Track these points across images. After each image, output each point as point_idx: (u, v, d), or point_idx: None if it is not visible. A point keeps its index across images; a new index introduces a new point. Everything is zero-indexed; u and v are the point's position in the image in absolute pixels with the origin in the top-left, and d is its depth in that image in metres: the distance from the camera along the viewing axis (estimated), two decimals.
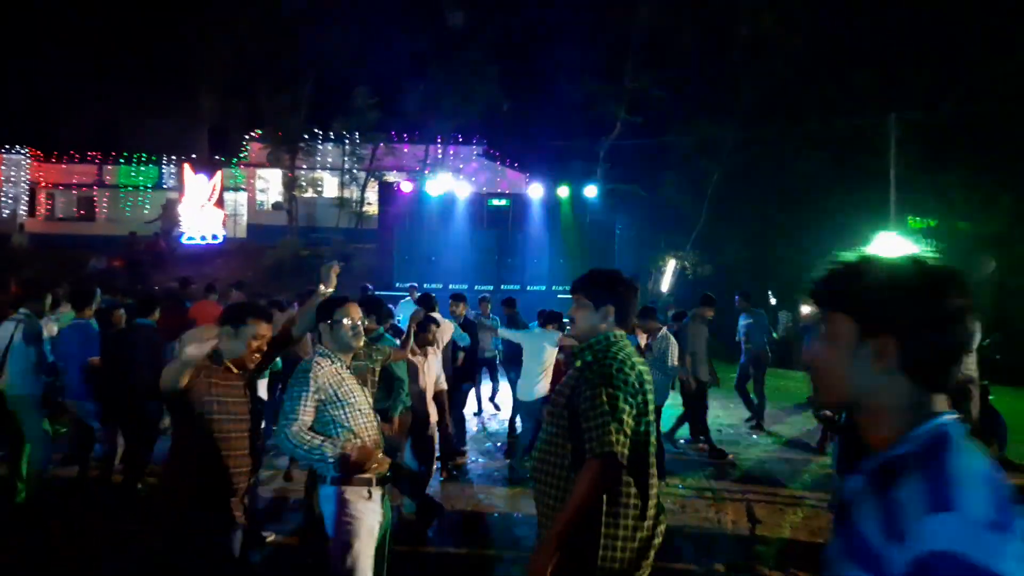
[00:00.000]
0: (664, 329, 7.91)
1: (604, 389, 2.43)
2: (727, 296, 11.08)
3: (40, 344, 6.11)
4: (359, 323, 3.49)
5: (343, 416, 3.28)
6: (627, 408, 2.42)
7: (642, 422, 2.52)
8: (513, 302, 10.44)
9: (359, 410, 3.34)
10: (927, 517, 1.08)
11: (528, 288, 17.96)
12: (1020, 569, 1.03)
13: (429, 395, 6.26)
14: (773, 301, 18.85)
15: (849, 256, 1.35)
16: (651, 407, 2.59)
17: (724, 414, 10.63)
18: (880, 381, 1.25)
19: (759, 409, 9.93)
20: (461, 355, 8.32)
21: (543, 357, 7.09)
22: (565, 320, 7.30)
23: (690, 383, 8.23)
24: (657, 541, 2.56)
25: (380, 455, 3.35)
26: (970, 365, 7.96)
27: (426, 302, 7.38)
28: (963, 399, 7.86)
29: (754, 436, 9.48)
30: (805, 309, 13.75)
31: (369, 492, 3.27)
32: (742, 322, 10.13)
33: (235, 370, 3.24)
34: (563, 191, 19.04)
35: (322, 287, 3.60)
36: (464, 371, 8.49)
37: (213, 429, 3.09)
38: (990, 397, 8.11)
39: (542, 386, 7.05)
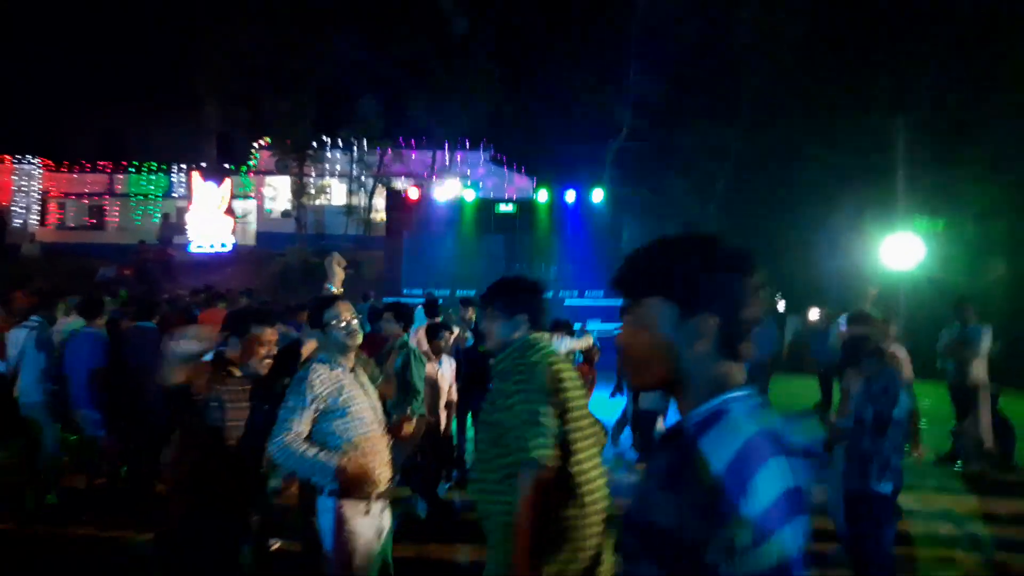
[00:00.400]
0: None
1: (518, 396, 2.46)
2: None
3: (50, 352, 6.16)
4: (351, 321, 3.36)
5: (342, 427, 3.16)
6: (544, 410, 2.43)
7: (568, 421, 2.52)
8: None
9: (359, 419, 3.21)
10: (652, 492, 1.20)
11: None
12: (769, 552, 1.12)
13: (442, 402, 6.27)
14: (782, 306, 18.77)
15: (653, 241, 1.39)
16: (577, 405, 2.57)
17: None
18: (699, 358, 1.29)
19: None
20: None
21: None
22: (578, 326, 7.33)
23: None
24: (597, 530, 2.53)
25: (381, 471, 3.24)
26: (980, 369, 7.93)
27: (431, 309, 7.37)
28: (972, 403, 7.83)
29: None
30: (813, 314, 13.70)
31: (367, 508, 3.16)
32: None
33: (240, 376, 3.20)
34: (570, 195, 19.05)
35: (330, 286, 3.63)
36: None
37: (215, 436, 3.06)
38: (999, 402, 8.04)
39: None
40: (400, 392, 4.99)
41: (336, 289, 3.17)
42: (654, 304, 1.32)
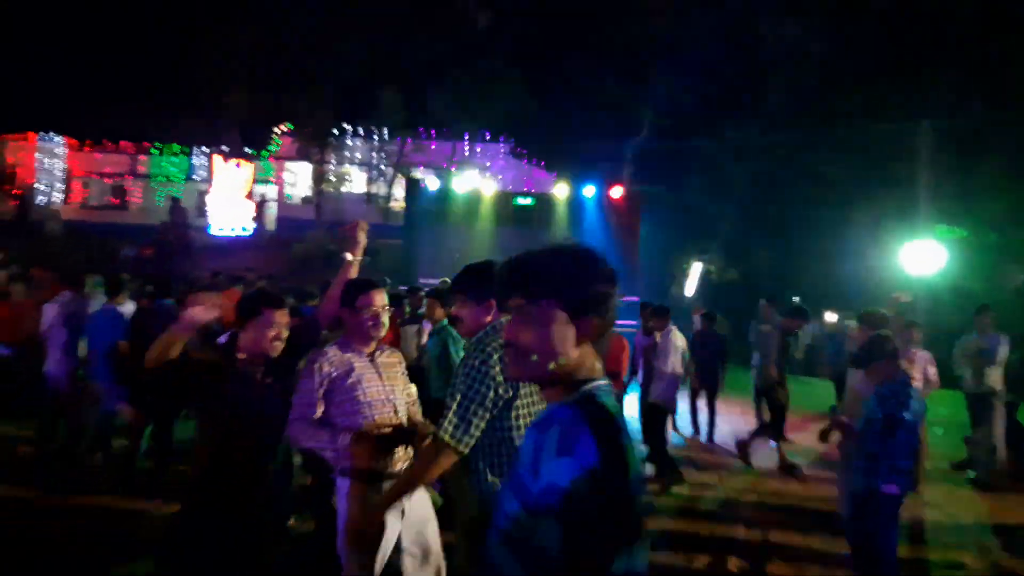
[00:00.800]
0: (670, 328, 7.65)
1: (459, 379, 2.57)
2: (752, 302, 10.96)
3: (75, 329, 6.29)
4: (382, 313, 3.33)
5: (348, 409, 3.19)
6: (476, 398, 2.51)
7: (507, 413, 2.58)
8: None
9: (366, 403, 3.22)
10: (555, 458, 1.37)
11: None
12: (617, 510, 1.35)
13: None
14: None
15: (547, 250, 1.58)
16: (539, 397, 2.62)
17: (749, 420, 10.54)
18: (577, 353, 1.53)
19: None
20: None
21: None
22: None
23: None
24: None
25: (393, 455, 3.22)
26: (995, 378, 7.88)
27: (440, 298, 7.42)
28: (988, 412, 7.78)
29: (773, 443, 9.43)
30: (830, 318, 13.61)
31: (380, 490, 3.13)
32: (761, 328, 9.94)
33: (251, 359, 3.19)
34: (589, 191, 19.02)
35: (348, 255, 3.46)
36: None
37: (223, 417, 3.07)
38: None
39: None
40: (443, 375, 5.03)
41: (352, 257, 3.06)
42: (549, 305, 1.51)
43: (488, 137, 29.80)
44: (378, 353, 3.41)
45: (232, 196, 26.79)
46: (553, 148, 28.51)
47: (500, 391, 2.56)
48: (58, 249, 20.95)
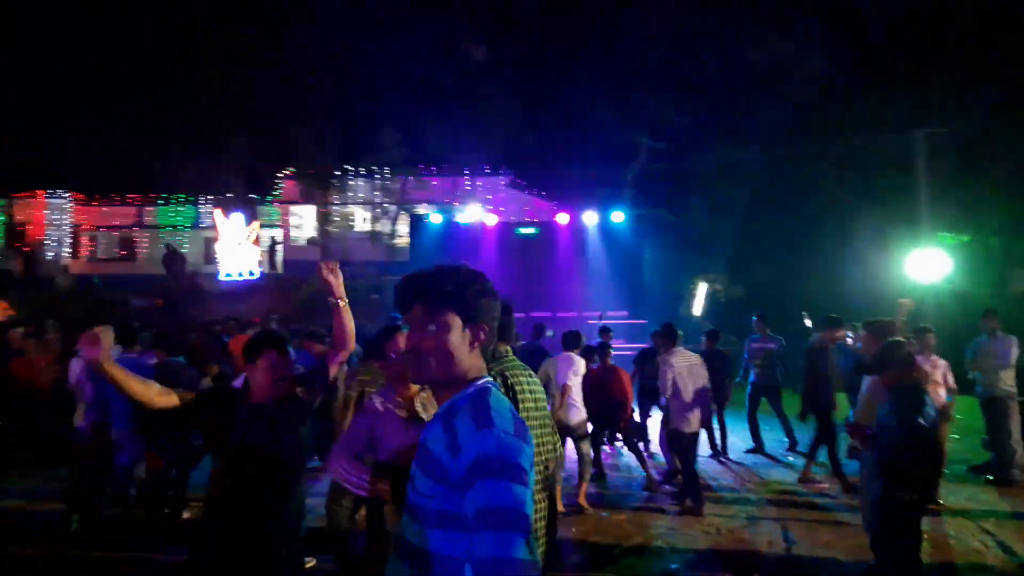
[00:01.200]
0: (673, 351, 7.36)
1: None
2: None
3: (97, 381, 6.39)
4: None
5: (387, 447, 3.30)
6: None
7: None
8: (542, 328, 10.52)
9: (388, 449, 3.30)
10: (476, 433, 1.57)
11: (558, 315, 18.04)
12: (527, 465, 1.56)
13: None
14: (809, 323, 18.64)
15: (442, 268, 1.82)
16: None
17: (768, 436, 10.53)
18: (471, 356, 1.76)
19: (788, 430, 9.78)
20: None
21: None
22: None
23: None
24: None
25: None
26: (1008, 381, 7.90)
27: None
28: (1001, 413, 7.79)
29: (789, 457, 9.43)
30: (840, 331, 13.60)
31: None
32: (755, 345, 9.92)
33: (260, 399, 3.27)
34: (591, 217, 19.18)
35: (332, 300, 3.44)
36: None
37: (234, 463, 3.13)
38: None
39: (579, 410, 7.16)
40: None
41: (337, 302, 3.03)
42: (449, 316, 1.74)
43: (488, 170, 30.09)
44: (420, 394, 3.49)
45: (239, 242, 27.03)
46: (553, 177, 28.78)
47: None
48: (69, 303, 21.14)
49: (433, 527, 1.61)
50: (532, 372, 2.89)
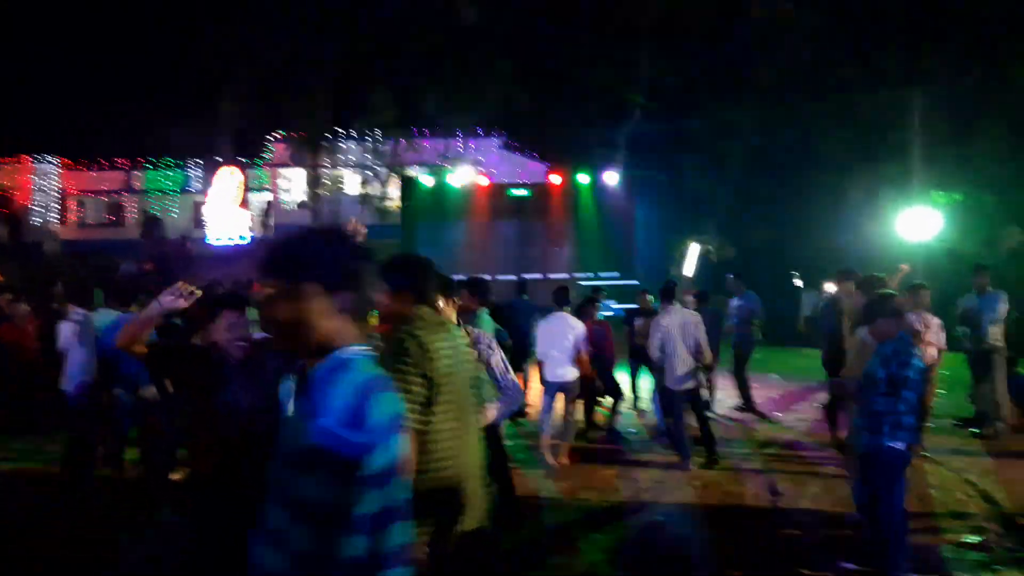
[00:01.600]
0: (668, 309, 7.30)
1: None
2: (751, 278, 11.03)
3: (91, 345, 6.36)
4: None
5: None
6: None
7: (432, 388, 2.65)
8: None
9: None
10: (311, 419, 1.57)
11: (550, 277, 18.04)
12: (381, 457, 1.53)
13: None
14: (799, 283, 18.69)
15: (301, 233, 1.77)
16: (448, 379, 2.68)
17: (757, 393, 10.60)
18: (336, 324, 1.68)
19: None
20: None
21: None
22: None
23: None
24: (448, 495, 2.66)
25: None
26: (996, 335, 7.95)
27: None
28: (988, 367, 7.85)
29: (777, 413, 9.53)
30: (830, 288, 13.64)
31: None
32: (733, 304, 9.95)
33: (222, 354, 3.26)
34: (583, 179, 19.09)
35: None
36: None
37: (223, 433, 3.11)
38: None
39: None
40: None
41: None
42: (308, 285, 1.66)
43: (480, 132, 29.80)
44: None
45: (228, 205, 26.83)
46: (545, 138, 28.52)
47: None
48: (58, 268, 21.03)
49: (308, 477, 1.62)
50: (458, 330, 2.88)
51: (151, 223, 25.97)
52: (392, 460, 1.56)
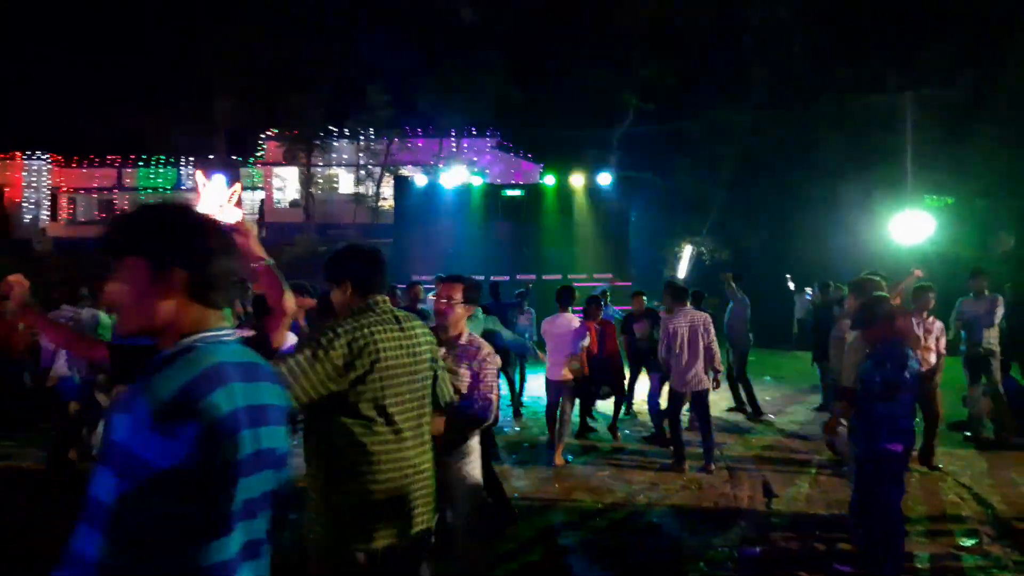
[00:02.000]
0: (681, 310, 7.27)
1: (306, 345, 2.49)
2: (745, 281, 11.01)
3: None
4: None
5: None
6: (305, 364, 2.40)
7: (358, 388, 2.48)
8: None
9: None
10: (115, 415, 1.37)
11: (544, 277, 18.02)
12: (165, 460, 1.33)
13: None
14: (792, 285, 18.75)
15: (133, 210, 1.62)
16: (387, 376, 2.54)
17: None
18: (175, 307, 1.53)
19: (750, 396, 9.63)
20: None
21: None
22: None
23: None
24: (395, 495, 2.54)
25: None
26: (992, 338, 7.95)
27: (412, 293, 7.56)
28: (985, 370, 7.86)
29: (771, 416, 9.52)
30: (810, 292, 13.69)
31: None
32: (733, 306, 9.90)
33: None
34: (577, 180, 19.06)
35: (255, 264, 2.89)
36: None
37: None
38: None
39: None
40: None
41: (261, 261, 2.76)
42: (131, 261, 1.53)
43: (474, 132, 29.77)
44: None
45: (220, 204, 26.65)
46: (539, 139, 28.51)
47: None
48: (48, 266, 20.88)
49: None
50: (409, 323, 2.71)
51: None
52: (238, 456, 1.43)
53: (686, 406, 7.44)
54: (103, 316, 6.73)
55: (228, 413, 1.43)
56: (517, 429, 8.92)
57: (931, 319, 7.05)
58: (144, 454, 1.32)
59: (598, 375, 7.99)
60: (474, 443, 3.91)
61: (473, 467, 3.85)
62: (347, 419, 2.48)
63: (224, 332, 1.58)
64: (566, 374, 7.21)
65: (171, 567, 1.36)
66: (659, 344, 7.27)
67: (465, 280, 4.02)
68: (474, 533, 3.90)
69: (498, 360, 3.98)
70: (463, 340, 3.81)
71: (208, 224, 1.60)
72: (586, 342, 7.42)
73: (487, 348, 3.84)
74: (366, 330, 2.55)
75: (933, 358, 6.89)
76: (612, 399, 8.55)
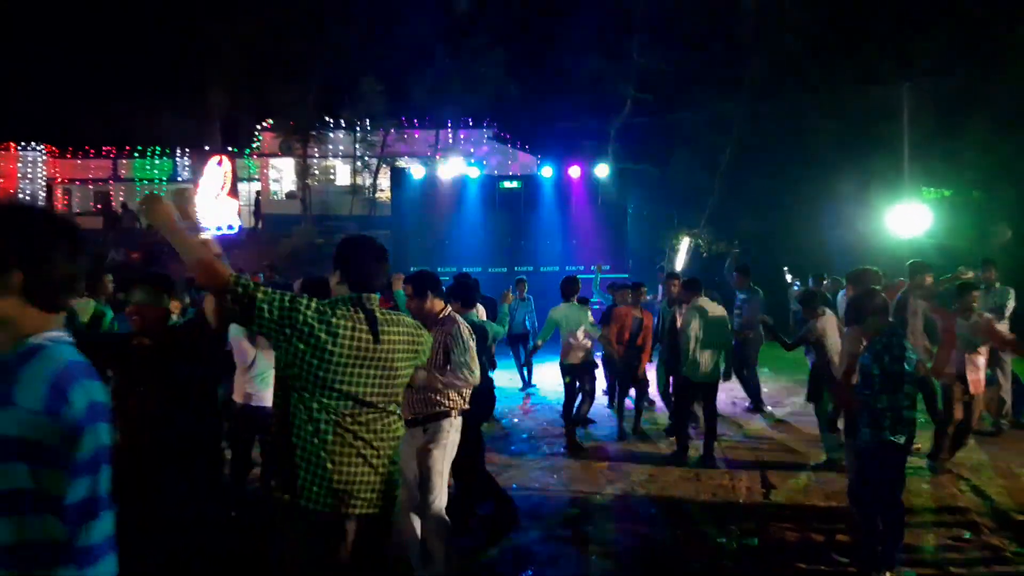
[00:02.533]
0: (695, 301, 7.23)
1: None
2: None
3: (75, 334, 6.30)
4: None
5: None
6: (276, 296, 2.58)
7: (325, 361, 2.59)
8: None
9: None
10: (6, 408, 1.46)
11: (541, 269, 18.00)
12: (88, 444, 1.49)
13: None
14: (789, 278, 18.72)
15: None
16: (348, 357, 2.62)
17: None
18: (9, 306, 1.56)
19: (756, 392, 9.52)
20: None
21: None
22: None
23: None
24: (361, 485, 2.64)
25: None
26: (1002, 329, 7.93)
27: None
28: (991, 363, 7.84)
29: (769, 408, 9.52)
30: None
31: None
32: (740, 299, 9.70)
33: (139, 342, 3.25)
34: (574, 171, 19.00)
35: (200, 235, 2.95)
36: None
37: (117, 404, 3.01)
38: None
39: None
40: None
41: (199, 231, 2.69)
42: None
43: (471, 123, 29.68)
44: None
45: (217, 194, 26.52)
46: (537, 130, 28.47)
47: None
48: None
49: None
50: (392, 325, 2.78)
51: (110, 217, 25.86)
52: (98, 447, 1.53)
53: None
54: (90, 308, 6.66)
55: (84, 409, 1.51)
56: (515, 421, 8.92)
57: (987, 314, 6.80)
58: (35, 438, 1.46)
59: (633, 362, 8.05)
60: (450, 435, 4.14)
61: (439, 454, 4.05)
62: (306, 395, 2.59)
63: (63, 333, 1.63)
64: (575, 360, 7.57)
65: None
66: (665, 335, 7.39)
67: (411, 274, 4.48)
68: (439, 534, 4.01)
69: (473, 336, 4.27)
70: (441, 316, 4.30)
71: (52, 226, 1.62)
72: (598, 331, 7.82)
73: (459, 324, 4.19)
74: (328, 311, 2.64)
75: (981, 361, 6.62)
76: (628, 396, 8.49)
